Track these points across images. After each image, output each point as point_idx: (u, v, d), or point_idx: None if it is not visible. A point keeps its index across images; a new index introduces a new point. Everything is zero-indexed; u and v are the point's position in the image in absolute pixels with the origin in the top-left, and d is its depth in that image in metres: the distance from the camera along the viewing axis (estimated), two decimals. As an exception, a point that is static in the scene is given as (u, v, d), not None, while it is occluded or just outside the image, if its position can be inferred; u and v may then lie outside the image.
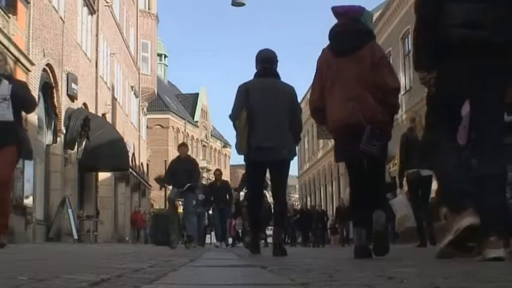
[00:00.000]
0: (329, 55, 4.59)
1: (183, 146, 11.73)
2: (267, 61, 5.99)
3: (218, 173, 15.55)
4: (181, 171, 10.74)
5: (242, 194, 13.04)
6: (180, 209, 11.57)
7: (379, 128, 4.34)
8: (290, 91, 6.09)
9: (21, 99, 6.76)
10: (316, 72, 4.70)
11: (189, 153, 12.39)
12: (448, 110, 3.34)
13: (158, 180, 12.37)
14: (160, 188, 16.45)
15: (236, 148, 6.01)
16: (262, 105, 5.77)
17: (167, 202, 12.04)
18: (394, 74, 4.68)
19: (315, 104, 4.70)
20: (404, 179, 8.70)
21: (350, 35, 4.53)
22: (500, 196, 3.23)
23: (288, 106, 5.92)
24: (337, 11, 4.66)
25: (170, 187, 11.61)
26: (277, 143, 5.72)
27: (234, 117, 5.88)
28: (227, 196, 14.84)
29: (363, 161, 4.46)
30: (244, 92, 5.87)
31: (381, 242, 4.55)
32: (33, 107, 7.76)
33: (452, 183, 3.28)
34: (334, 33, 4.62)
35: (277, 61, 6.11)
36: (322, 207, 31.00)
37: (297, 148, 6.39)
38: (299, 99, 6.80)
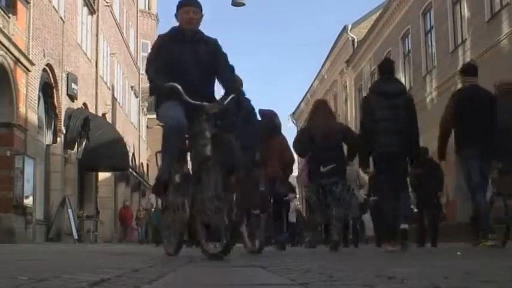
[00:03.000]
0: (264, 138, 7.93)
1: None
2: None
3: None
4: (190, 62, 4.67)
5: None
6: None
7: (281, 179, 7.85)
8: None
9: None
10: None
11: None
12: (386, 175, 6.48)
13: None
14: None
15: None
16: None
17: (163, 135, 4.48)
18: (292, 153, 8.14)
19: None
20: None
21: (272, 129, 7.77)
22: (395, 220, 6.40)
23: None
24: (264, 113, 7.69)
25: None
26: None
27: None
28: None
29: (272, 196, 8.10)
30: None
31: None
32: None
33: (389, 221, 6.28)
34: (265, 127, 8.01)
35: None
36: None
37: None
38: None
